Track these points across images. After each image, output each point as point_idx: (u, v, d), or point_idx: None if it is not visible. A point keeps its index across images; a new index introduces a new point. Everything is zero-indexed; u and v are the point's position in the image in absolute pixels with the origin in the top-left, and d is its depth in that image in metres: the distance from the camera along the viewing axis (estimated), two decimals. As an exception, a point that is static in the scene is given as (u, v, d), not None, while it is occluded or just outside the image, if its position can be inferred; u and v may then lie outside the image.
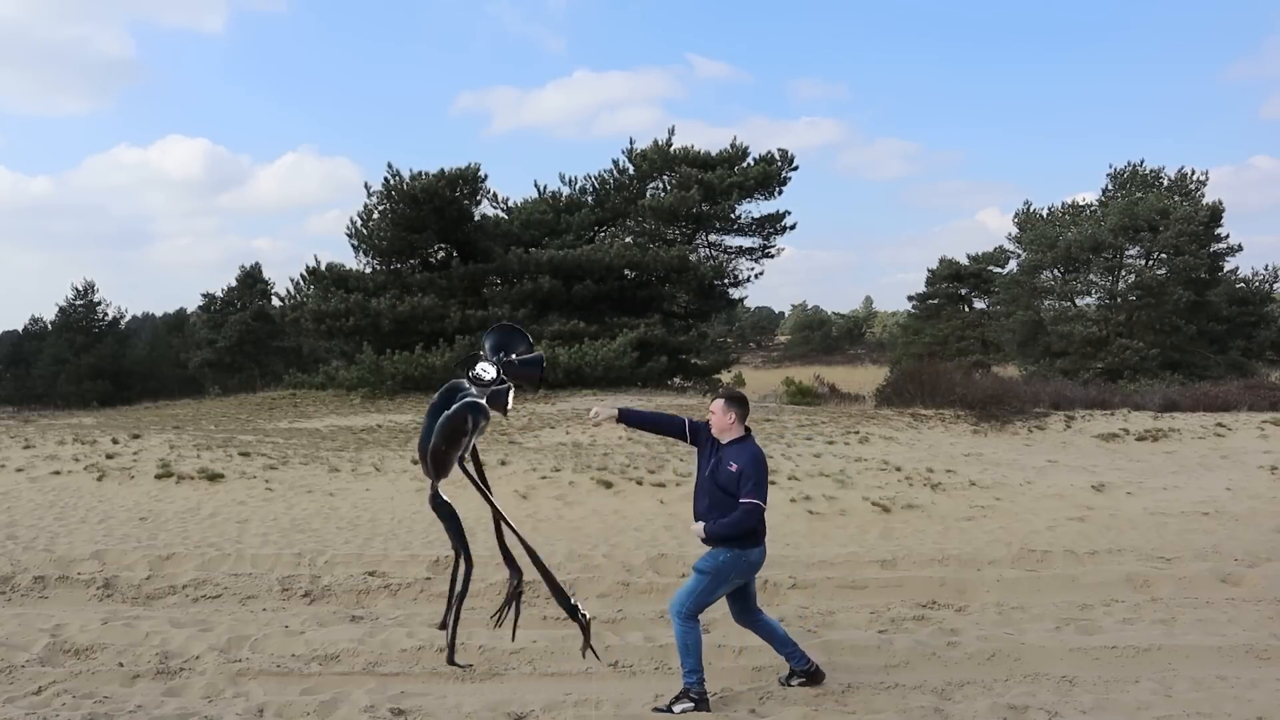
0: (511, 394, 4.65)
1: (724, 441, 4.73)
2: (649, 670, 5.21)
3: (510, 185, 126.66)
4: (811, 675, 4.94)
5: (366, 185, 26.93)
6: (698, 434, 4.87)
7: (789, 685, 4.94)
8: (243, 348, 40.27)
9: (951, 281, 47.40)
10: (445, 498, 4.58)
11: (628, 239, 28.97)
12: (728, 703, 4.77)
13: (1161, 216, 32.09)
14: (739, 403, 4.79)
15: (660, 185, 30.03)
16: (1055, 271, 35.19)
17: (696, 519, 4.80)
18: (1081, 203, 39.68)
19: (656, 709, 4.65)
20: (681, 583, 6.88)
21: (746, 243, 31.33)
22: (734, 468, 4.59)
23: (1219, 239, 34.91)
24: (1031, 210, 39.88)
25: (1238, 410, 17.35)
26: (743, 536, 4.64)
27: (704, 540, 4.69)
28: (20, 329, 46.31)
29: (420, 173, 25.41)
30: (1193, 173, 38.59)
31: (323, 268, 26.74)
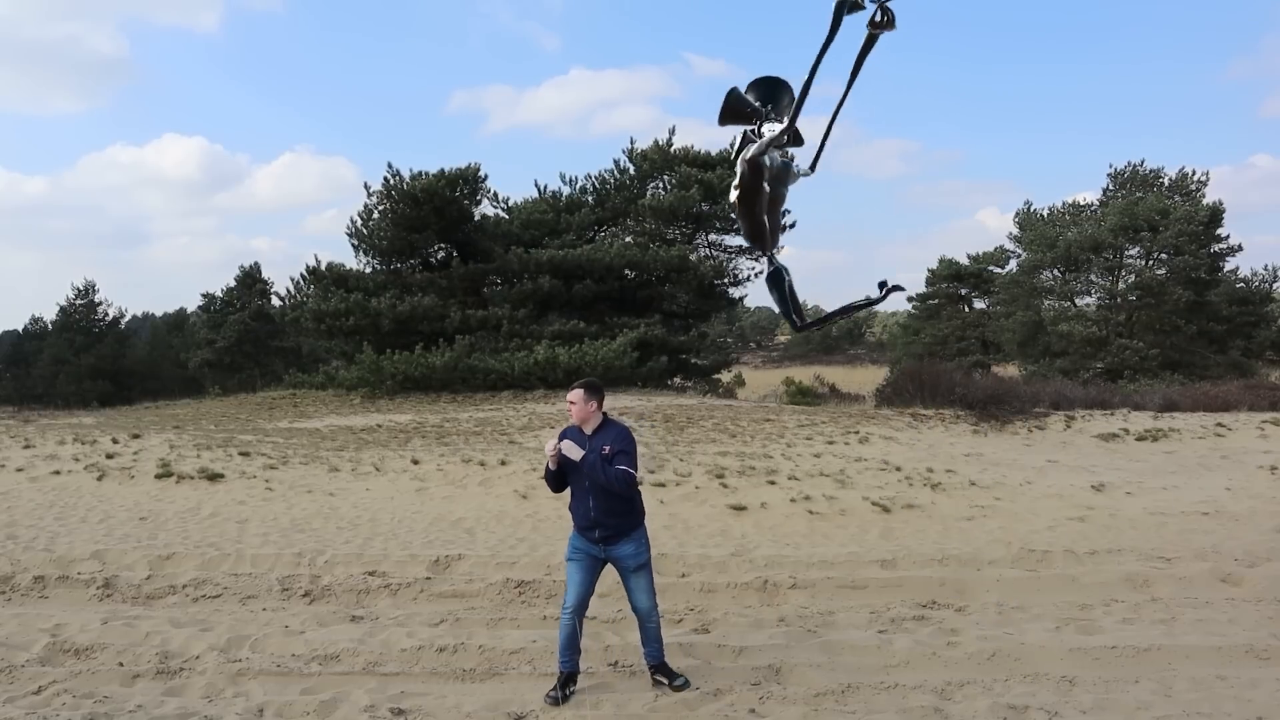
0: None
1: (589, 432, 4.92)
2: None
3: (507, 184, 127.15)
4: (570, 681, 4.88)
5: (366, 185, 26.97)
6: (562, 465, 4.96)
7: (559, 696, 4.79)
8: (243, 347, 40.26)
9: (951, 281, 47.39)
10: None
11: (628, 239, 28.95)
12: (729, 702, 4.77)
13: (1161, 216, 32.12)
14: (597, 390, 5.01)
15: (660, 185, 30.00)
16: (1055, 271, 35.22)
17: (591, 522, 4.87)
18: (1082, 202, 39.78)
19: (676, 686, 4.91)
20: (680, 583, 6.90)
21: (747, 242, 31.27)
22: (607, 450, 4.79)
23: (1219, 239, 34.92)
24: (1032, 210, 39.99)
25: (1238, 410, 17.34)
26: (639, 511, 4.98)
27: (575, 458, 4.81)
28: (20, 329, 46.37)
29: (420, 172, 25.44)
30: (1193, 173, 38.69)
31: (323, 267, 26.76)
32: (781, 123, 4.58)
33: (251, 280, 42.63)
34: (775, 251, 4.79)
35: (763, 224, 4.67)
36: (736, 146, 4.68)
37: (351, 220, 27.00)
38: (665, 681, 4.93)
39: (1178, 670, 5.19)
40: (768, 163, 4.48)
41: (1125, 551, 7.88)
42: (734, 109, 4.78)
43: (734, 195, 4.61)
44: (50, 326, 43.20)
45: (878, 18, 4.02)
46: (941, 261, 47.60)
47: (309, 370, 28.10)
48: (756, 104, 4.79)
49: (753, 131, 4.72)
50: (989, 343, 43.53)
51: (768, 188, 4.56)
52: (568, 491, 5.08)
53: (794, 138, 4.58)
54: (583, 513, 4.91)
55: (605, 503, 4.84)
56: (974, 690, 4.92)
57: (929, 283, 48.60)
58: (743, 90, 4.86)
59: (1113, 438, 14.54)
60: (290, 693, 4.90)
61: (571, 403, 4.94)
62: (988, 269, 45.46)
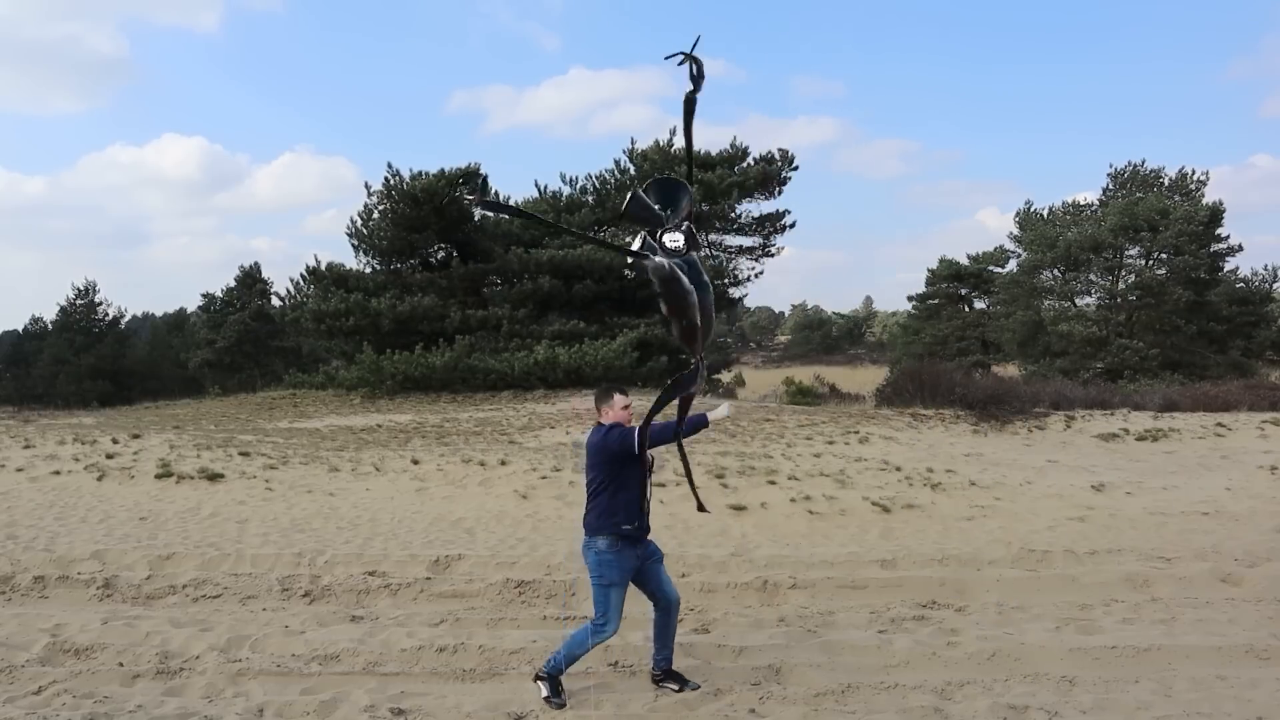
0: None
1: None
2: (648, 670, 5.20)
3: (507, 184, 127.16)
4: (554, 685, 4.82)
5: (367, 185, 26.99)
6: (624, 466, 4.79)
7: (566, 700, 4.73)
8: (242, 348, 40.24)
9: (951, 281, 47.36)
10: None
11: (628, 239, 28.94)
12: (729, 702, 4.77)
13: (1161, 216, 32.11)
14: None
15: (660, 185, 29.98)
16: (1055, 271, 35.19)
17: (646, 518, 4.84)
18: (1082, 202, 39.77)
19: (689, 689, 4.88)
20: (680, 583, 6.90)
21: (746, 242, 31.33)
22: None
23: (1219, 239, 34.91)
24: (1032, 210, 39.97)
25: (1238, 410, 17.35)
26: None
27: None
28: (20, 329, 46.35)
29: (421, 172, 25.46)
30: (1193, 173, 38.68)
31: (323, 267, 26.77)
32: (680, 227, 4.54)
33: (251, 280, 42.61)
34: (702, 358, 4.72)
35: (696, 326, 4.59)
36: (639, 248, 4.59)
37: (351, 220, 27.06)
38: (676, 688, 4.87)
39: (1178, 670, 5.19)
40: (679, 268, 4.40)
41: (1125, 551, 7.88)
42: (636, 214, 4.76)
43: (664, 308, 4.53)
44: (50, 326, 43.17)
45: (692, 71, 4.07)
46: (941, 261, 47.59)
47: (309, 370, 28.10)
48: (656, 208, 4.76)
49: (652, 234, 4.65)
50: (989, 343, 43.50)
51: (693, 290, 4.47)
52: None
53: (691, 242, 4.57)
54: (643, 515, 4.79)
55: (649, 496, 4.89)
56: (974, 690, 4.92)
57: (929, 283, 48.57)
58: (642, 191, 4.86)
59: (1113, 438, 14.55)
60: (290, 693, 4.90)
61: (627, 407, 4.86)
62: (988, 269, 45.43)
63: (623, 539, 4.72)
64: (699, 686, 4.91)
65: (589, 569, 4.82)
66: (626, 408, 4.86)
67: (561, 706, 4.69)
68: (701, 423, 4.87)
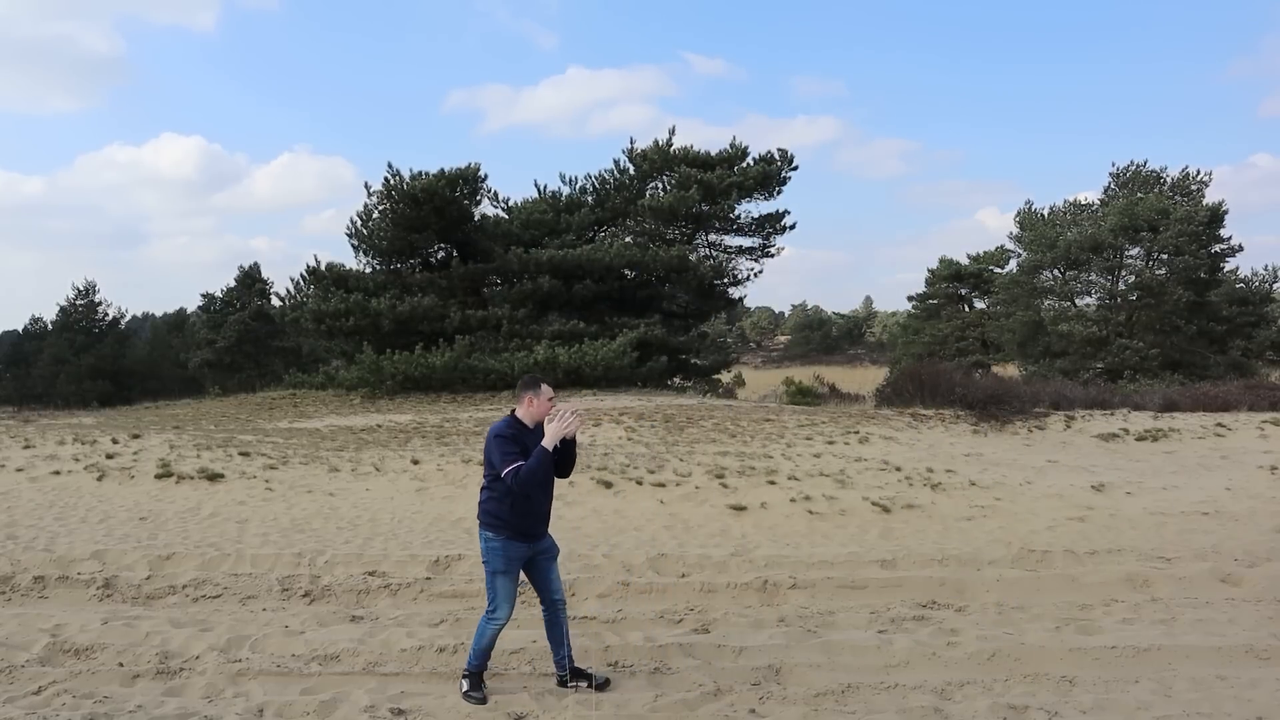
0: None
1: (531, 426, 4.85)
2: (648, 670, 5.20)
3: (504, 183, 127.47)
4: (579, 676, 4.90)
5: (366, 185, 26.96)
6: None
7: (485, 695, 4.80)
8: (242, 348, 40.26)
9: (951, 281, 47.40)
10: None
11: (628, 239, 28.96)
12: (729, 702, 4.77)
13: (1162, 216, 32.10)
14: None
15: (660, 185, 29.99)
16: (1055, 271, 35.18)
17: (545, 518, 4.89)
18: (1083, 202, 39.77)
19: (599, 684, 4.88)
20: (680, 583, 6.90)
21: (746, 242, 31.29)
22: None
23: (1220, 239, 34.89)
24: (1032, 210, 39.96)
25: (1238, 410, 17.34)
26: None
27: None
28: (20, 329, 46.37)
29: (420, 172, 25.43)
30: (1196, 173, 38.68)
31: (323, 268, 26.76)
32: None
33: (251, 280, 42.63)
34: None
35: None
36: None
37: (351, 220, 27.07)
38: (586, 685, 4.87)
39: (1178, 670, 5.19)
40: None
41: (1125, 551, 7.88)
42: None
43: None
44: (50, 326, 43.20)
45: None
46: (941, 261, 47.64)
47: (309, 370, 28.10)
48: None
49: None
50: (989, 343, 43.54)
51: None
52: (565, 495, 5.00)
53: None
54: (541, 514, 4.85)
55: (551, 494, 4.91)
56: (974, 690, 4.92)
57: (929, 283, 48.63)
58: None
59: (1113, 438, 14.54)
60: (290, 693, 4.90)
61: (550, 399, 4.84)
62: (988, 269, 45.47)
63: (513, 531, 4.75)
64: (607, 680, 4.93)
65: (481, 555, 4.90)
66: (551, 399, 4.86)
67: (482, 702, 4.71)
68: (547, 454, 4.67)
